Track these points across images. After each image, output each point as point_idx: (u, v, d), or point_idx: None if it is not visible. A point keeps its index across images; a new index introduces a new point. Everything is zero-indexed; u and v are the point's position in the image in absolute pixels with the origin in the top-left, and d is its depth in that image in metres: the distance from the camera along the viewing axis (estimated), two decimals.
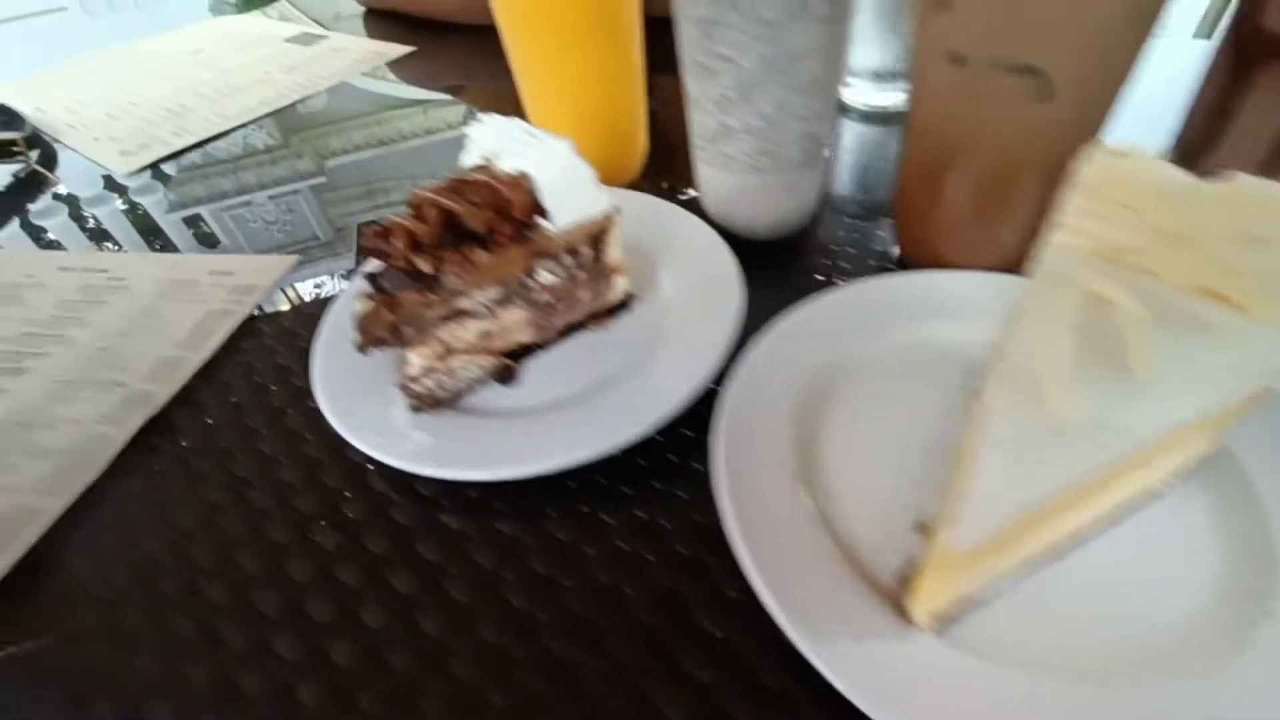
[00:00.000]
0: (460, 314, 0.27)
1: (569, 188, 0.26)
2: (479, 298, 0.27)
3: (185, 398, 0.32)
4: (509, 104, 0.58)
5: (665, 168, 0.44)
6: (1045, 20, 0.21)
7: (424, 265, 0.24)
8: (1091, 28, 0.21)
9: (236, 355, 0.35)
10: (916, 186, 0.29)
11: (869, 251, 0.36)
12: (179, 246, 0.44)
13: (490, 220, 0.24)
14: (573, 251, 0.28)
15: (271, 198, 0.47)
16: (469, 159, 0.27)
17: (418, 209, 0.24)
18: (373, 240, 0.24)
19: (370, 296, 0.24)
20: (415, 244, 0.24)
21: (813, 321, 0.28)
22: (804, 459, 0.23)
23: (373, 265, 0.25)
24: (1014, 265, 0.30)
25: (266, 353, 0.34)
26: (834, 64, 0.28)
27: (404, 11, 0.74)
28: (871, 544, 0.21)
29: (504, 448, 0.25)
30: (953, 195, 0.28)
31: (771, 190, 0.32)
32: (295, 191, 0.48)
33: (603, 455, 0.25)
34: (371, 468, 0.28)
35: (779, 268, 0.35)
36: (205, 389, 0.33)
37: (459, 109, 0.57)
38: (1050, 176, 0.26)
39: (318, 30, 0.74)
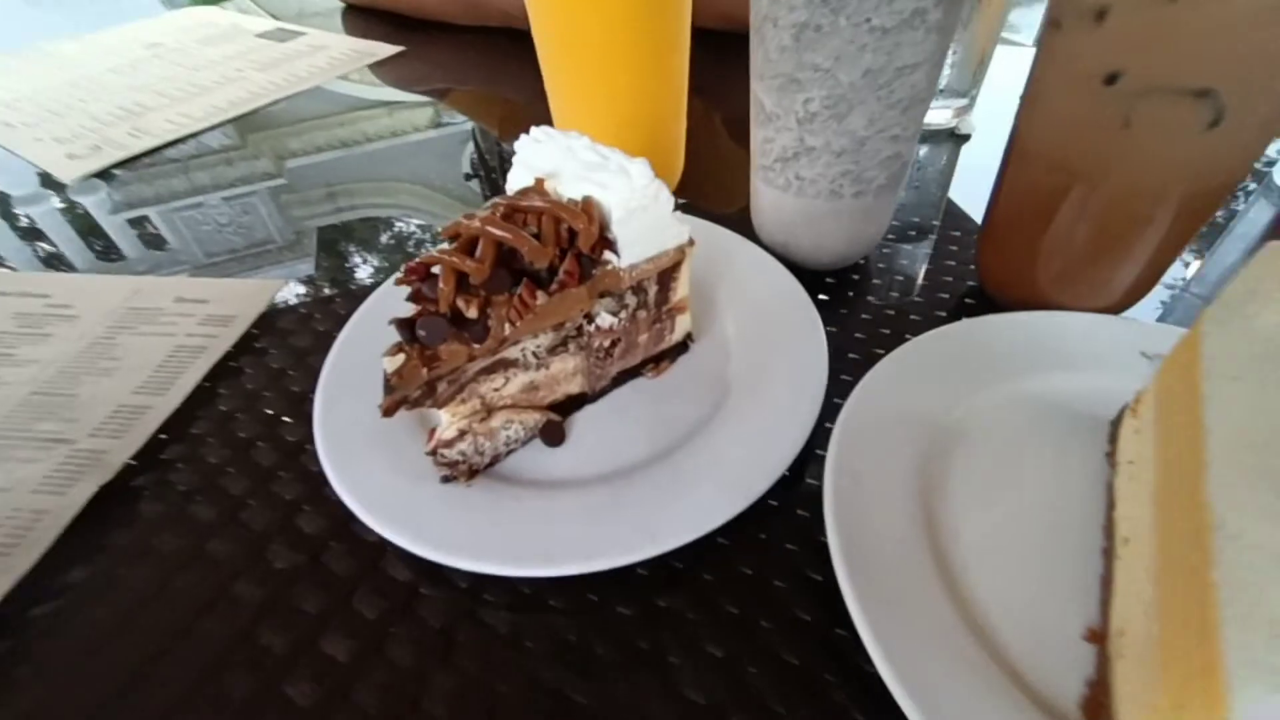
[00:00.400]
0: (505, 365, 0.22)
1: (641, 216, 0.22)
2: (529, 346, 0.22)
3: (148, 458, 0.26)
4: (499, 109, 0.54)
5: (693, 186, 0.40)
6: (1237, 40, 0.18)
7: (470, 311, 0.19)
8: None
9: (213, 402, 0.29)
10: (1019, 216, 0.26)
11: (939, 282, 0.33)
12: (124, 250, 0.40)
13: (553, 257, 0.20)
14: (638, 290, 0.24)
15: (226, 199, 0.44)
16: (518, 180, 0.22)
17: (467, 243, 0.19)
18: (411, 281, 0.19)
19: (402, 348, 0.19)
20: (461, 284, 0.19)
21: (917, 370, 0.24)
22: (936, 549, 0.20)
23: (403, 306, 0.20)
24: (1122, 306, 0.27)
25: (250, 399, 0.29)
26: (934, 78, 0.25)
27: (386, 9, 0.69)
28: (1038, 659, 0.17)
29: (562, 533, 0.21)
30: (1066, 228, 0.24)
31: (845, 217, 0.29)
32: (252, 193, 0.44)
33: (687, 542, 0.20)
34: (389, 549, 0.23)
35: (841, 298, 0.32)
36: (174, 446, 0.27)
37: (427, 111, 0.53)
38: (1192, 212, 0.23)
39: (292, 26, 0.68)
